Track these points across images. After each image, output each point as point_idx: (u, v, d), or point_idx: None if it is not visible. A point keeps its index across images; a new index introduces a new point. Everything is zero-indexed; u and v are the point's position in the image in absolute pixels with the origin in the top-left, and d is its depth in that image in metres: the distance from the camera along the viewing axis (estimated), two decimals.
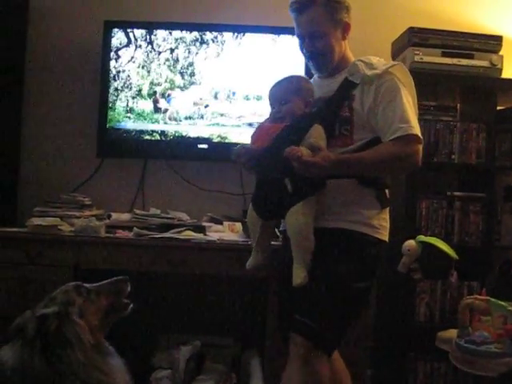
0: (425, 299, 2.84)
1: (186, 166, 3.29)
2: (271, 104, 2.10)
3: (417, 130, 2.00)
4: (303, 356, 1.91)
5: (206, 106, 3.19)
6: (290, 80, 2.12)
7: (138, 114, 3.19)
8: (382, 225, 2.08)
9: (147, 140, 3.19)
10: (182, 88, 3.19)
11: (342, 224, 2.03)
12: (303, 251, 1.93)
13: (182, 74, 3.20)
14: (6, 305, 2.65)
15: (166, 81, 3.20)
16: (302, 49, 2.18)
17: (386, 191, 2.14)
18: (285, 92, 2.07)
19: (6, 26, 3.13)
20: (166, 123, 3.19)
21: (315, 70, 2.22)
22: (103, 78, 3.19)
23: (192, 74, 3.19)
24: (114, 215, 2.99)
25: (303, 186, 1.92)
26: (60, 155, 3.35)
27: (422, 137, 2.02)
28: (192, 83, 3.20)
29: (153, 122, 3.19)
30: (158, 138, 3.19)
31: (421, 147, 2.02)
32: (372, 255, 2.06)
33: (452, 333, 2.40)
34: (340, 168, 1.94)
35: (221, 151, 3.15)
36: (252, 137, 2.09)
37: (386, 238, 2.11)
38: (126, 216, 3.01)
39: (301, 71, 3.11)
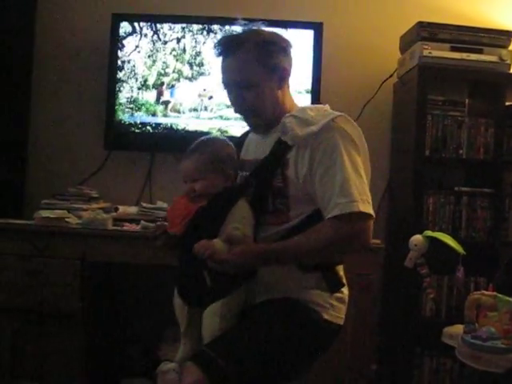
0: (431, 294, 2.82)
1: None
2: (184, 179, 1.79)
3: (362, 203, 1.60)
4: None
5: (210, 98, 3.18)
6: (203, 150, 1.76)
7: (141, 104, 3.19)
8: (333, 304, 1.74)
9: (155, 133, 3.19)
10: (191, 79, 3.19)
11: (283, 294, 1.70)
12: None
13: (190, 64, 3.19)
14: (13, 296, 2.67)
15: (173, 71, 3.19)
16: (230, 99, 1.80)
17: (339, 268, 1.79)
18: (196, 167, 1.74)
19: (14, 17, 3.14)
20: (165, 115, 3.18)
21: (248, 125, 1.86)
22: (111, 71, 3.19)
23: (200, 65, 3.19)
24: (121, 208, 3.00)
25: (223, 280, 1.62)
26: (67, 148, 3.35)
27: (370, 211, 1.63)
28: (201, 74, 3.19)
29: (153, 115, 3.19)
30: (166, 130, 3.19)
31: (370, 223, 1.64)
32: (313, 333, 1.71)
33: (458, 328, 2.39)
34: (265, 261, 1.63)
35: None
36: (167, 215, 1.82)
37: (340, 321, 1.75)
38: (133, 209, 3.01)
39: (309, 65, 3.12)
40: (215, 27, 3.17)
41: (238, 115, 1.86)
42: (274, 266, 1.68)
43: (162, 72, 3.19)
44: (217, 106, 3.17)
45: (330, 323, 1.73)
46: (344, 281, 1.80)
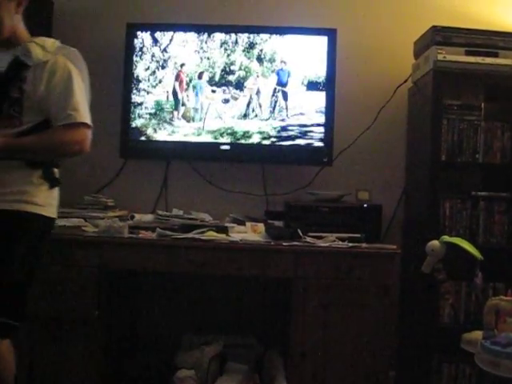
0: (449, 300, 2.81)
1: (208, 167, 3.30)
2: None
3: (85, 117, 2.16)
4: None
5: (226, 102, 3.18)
6: None
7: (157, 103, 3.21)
8: (49, 202, 2.18)
9: (170, 141, 3.20)
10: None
11: (6, 205, 2.07)
12: None
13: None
14: (30, 305, 2.68)
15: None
16: None
17: (56, 170, 2.26)
18: None
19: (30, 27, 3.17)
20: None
21: None
22: (126, 79, 3.21)
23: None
24: (137, 216, 3.01)
25: None
26: (83, 156, 3.36)
27: (91, 123, 2.19)
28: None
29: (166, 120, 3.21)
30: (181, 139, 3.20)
31: (89, 132, 2.19)
32: (36, 231, 2.16)
33: (477, 334, 2.37)
34: (8, 152, 2.03)
35: (243, 152, 3.17)
36: None
37: (54, 215, 2.25)
38: (148, 217, 3.02)
39: (323, 71, 3.12)
40: (228, 36, 3.18)
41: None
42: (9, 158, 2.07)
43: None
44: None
45: (48, 218, 2.19)
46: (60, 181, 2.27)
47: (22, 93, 2.07)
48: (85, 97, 2.21)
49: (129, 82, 3.21)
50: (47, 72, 2.10)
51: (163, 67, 3.21)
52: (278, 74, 3.16)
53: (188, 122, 3.19)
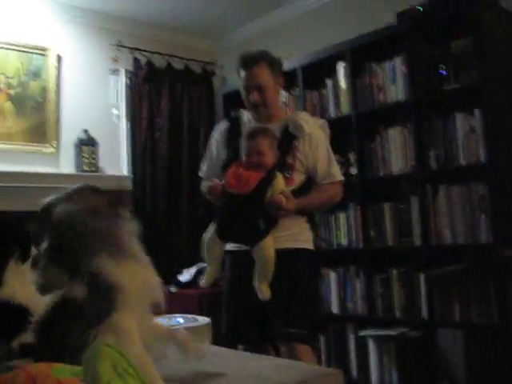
0: None
1: None
2: (249, 153, 2.45)
3: (340, 175, 2.67)
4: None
5: None
6: (265, 135, 2.48)
7: None
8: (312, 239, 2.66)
9: None
10: None
11: (293, 244, 2.55)
12: (270, 273, 2.38)
13: None
14: None
15: None
16: (247, 99, 2.63)
17: (316, 217, 2.88)
18: (263, 146, 2.44)
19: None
20: None
21: (256, 117, 2.67)
22: None
23: None
24: None
25: (270, 223, 2.41)
26: None
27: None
28: None
29: None
30: None
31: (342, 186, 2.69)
32: (317, 261, 2.79)
33: None
34: (299, 209, 2.50)
35: None
36: (228, 179, 2.45)
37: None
38: None
39: None
40: None
41: None
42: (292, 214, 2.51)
43: None
44: None
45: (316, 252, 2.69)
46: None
47: (295, 159, 2.54)
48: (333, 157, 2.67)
49: None
50: (313, 143, 2.57)
51: None
52: None
53: None
